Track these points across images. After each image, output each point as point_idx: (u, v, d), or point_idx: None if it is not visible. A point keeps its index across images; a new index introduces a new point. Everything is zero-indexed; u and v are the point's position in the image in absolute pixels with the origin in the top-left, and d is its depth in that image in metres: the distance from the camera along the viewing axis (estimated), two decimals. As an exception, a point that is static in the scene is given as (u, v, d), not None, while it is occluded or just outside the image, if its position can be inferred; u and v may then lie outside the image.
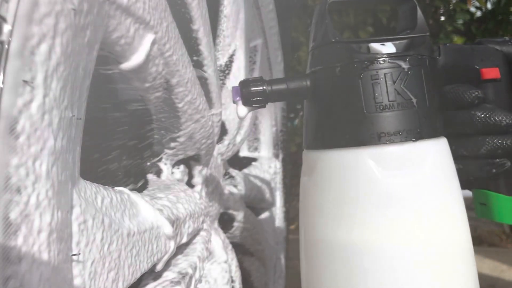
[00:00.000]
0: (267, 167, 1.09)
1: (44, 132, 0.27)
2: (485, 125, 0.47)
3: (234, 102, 0.45)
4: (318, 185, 0.45)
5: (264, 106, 0.46)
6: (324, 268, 0.44)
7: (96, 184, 0.37)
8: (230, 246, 0.76)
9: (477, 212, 0.52)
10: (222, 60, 0.78)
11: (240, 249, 0.91)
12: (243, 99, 0.45)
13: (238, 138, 0.83)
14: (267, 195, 1.03)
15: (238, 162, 1.07)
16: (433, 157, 0.43)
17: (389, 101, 0.42)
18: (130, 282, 0.39)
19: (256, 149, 1.13)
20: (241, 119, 0.59)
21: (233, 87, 0.45)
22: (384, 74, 0.42)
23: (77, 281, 0.31)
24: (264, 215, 1.13)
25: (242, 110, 0.45)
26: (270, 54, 1.14)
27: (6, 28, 0.24)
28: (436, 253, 0.42)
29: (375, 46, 0.44)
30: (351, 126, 0.42)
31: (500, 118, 0.47)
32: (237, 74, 0.79)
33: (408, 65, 0.43)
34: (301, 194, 0.48)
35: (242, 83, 0.45)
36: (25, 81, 0.25)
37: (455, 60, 0.49)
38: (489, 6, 2.45)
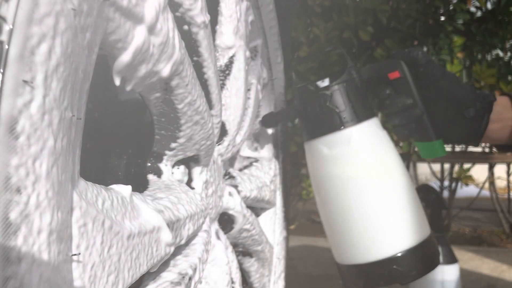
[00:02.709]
0: (267, 167, 1.09)
1: (44, 132, 0.27)
2: (392, 107, 0.84)
3: None
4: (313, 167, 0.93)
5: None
6: (332, 199, 0.88)
7: (97, 185, 0.37)
8: (230, 248, 0.76)
9: (421, 155, 0.89)
10: (222, 61, 0.78)
11: (240, 249, 0.91)
12: None
13: (238, 139, 0.83)
14: (267, 195, 1.03)
15: (238, 162, 1.07)
16: (359, 136, 0.84)
17: (325, 115, 0.86)
18: (129, 284, 0.39)
19: (256, 149, 1.13)
20: None
21: None
22: (319, 99, 0.87)
23: (77, 284, 0.31)
24: (264, 215, 1.13)
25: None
26: (270, 54, 1.14)
27: (6, 28, 0.24)
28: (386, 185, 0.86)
29: (319, 83, 0.87)
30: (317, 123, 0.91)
31: (399, 102, 0.83)
32: (238, 75, 0.79)
33: (330, 92, 0.85)
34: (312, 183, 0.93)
35: None
36: (25, 81, 0.25)
37: (372, 74, 0.87)
38: (489, 6, 2.45)
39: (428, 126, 0.83)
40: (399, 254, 0.81)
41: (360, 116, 0.83)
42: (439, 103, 0.82)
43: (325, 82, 0.83)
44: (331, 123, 0.83)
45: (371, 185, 0.84)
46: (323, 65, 2.15)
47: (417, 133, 0.85)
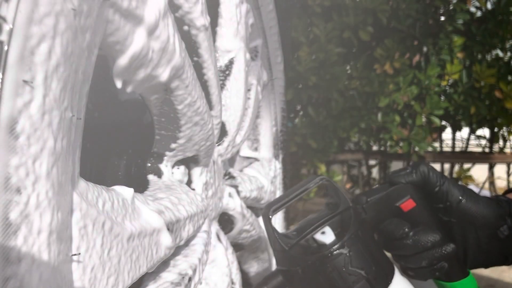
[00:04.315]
0: (267, 167, 1.09)
1: (44, 133, 0.27)
2: (417, 248, 0.62)
3: None
4: None
5: None
6: None
7: (98, 186, 0.37)
8: (231, 249, 0.76)
9: None
10: (222, 62, 0.78)
11: (240, 249, 0.91)
12: None
13: (238, 139, 0.83)
14: (267, 195, 1.03)
15: (238, 162, 1.07)
16: None
17: (346, 283, 0.55)
18: (129, 285, 0.39)
19: (256, 149, 1.13)
20: None
21: None
22: (334, 265, 0.55)
23: (76, 286, 0.31)
24: (264, 215, 1.13)
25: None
26: (270, 54, 1.14)
27: (6, 28, 0.24)
28: None
29: (318, 237, 0.56)
30: None
31: (425, 240, 0.61)
32: (238, 76, 0.79)
33: (347, 249, 0.55)
34: None
35: None
36: (25, 81, 0.25)
37: (379, 210, 0.63)
38: (489, 6, 2.45)
39: (461, 261, 0.66)
40: None
41: (388, 271, 0.59)
42: (466, 230, 0.66)
43: (328, 235, 0.58)
44: None
45: None
46: (323, 65, 2.15)
47: (447, 272, 0.65)
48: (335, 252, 0.54)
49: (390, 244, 0.63)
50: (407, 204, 0.64)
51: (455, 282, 0.65)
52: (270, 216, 0.56)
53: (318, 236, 0.57)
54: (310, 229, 0.57)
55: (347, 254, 0.55)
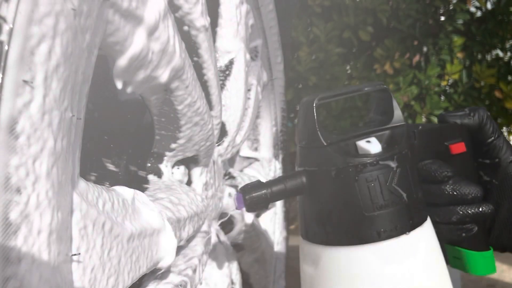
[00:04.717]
0: (268, 167, 1.09)
1: (44, 133, 0.27)
2: (453, 198, 0.54)
3: (237, 208, 0.49)
4: (324, 280, 0.49)
5: (267, 209, 0.51)
6: None
7: (99, 186, 0.37)
8: (231, 250, 0.76)
9: (451, 263, 0.58)
10: (222, 62, 0.78)
11: (240, 250, 0.91)
12: (247, 207, 0.48)
13: (238, 139, 0.83)
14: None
15: (238, 162, 1.07)
16: (424, 243, 0.49)
17: (384, 200, 0.47)
18: (129, 285, 0.39)
19: (256, 149, 1.13)
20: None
21: (235, 195, 0.49)
22: (377, 176, 0.47)
23: (76, 286, 0.31)
24: (264, 215, 1.13)
25: (249, 216, 0.51)
26: (270, 54, 1.14)
27: (6, 28, 0.24)
28: None
29: (362, 145, 0.48)
30: (352, 226, 0.47)
31: (466, 191, 0.54)
32: (238, 76, 0.79)
33: (396, 163, 0.47)
34: (303, 285, 0.53)
35: (243, 190, 0.49)
36: (25, 81, 0.25)
37: (427, 140, 0.55)
38: (489, 6, 2.45)
39: (487, 231, 0.58)
40: None
41: (424, 209, 0.50)
42: (504, 197, 0.57)
43: (374, 145, 0.48)
44: (396, 220, 0.47)
45: None
46: (323, 65, 2.15)
47: (473, 239, 0.56)
48: (381, 162, 0.47)
49: (425, 188, 0.54)
50: (458, 146, 0.56)
51: (476, 253, 0.56)
52: (315, 104, 0.48)
53: (362, 144, 0.48)
54: (356, 133, 0.49)
55: (394, 169, 0.47)
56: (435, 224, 0.52)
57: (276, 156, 1.18)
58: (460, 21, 2.34)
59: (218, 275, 0.68)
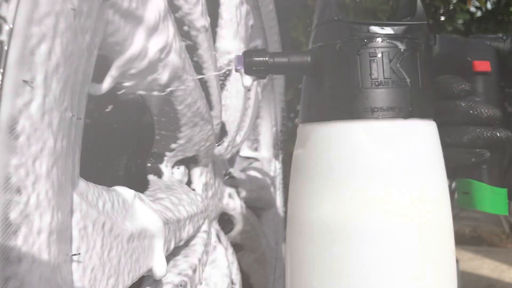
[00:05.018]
0: (268, 167, 1.09)
1: (44, 133, 0.27)
2: (467, 115, 0.50)
3: (236, 70, 0.47)
4: (309, 157, 0.46)
5: (264, 77, 0.49)
6: (310, 243, 0.45)
7: (99, 186, 0.37)
8: (231, 250, 0.76)
9: (459, 201, 0.53)
10: (222, 62, 0.78)
11: (240, 250, 0.91)
12: (245, 68, 0.47)
13: (238, 139, 0.83)
14: (267, 195, 1.03)
15: (238, 162, 1.07)
16: (422, 137, 0.45)
17: (384, 78, 0.44)
18: (128, 285, 0.39)
19: (256, 149, 1.13)
20: (247, 88, 0.61)
21: (236, 56, 0.47)
22: (382, 52, 0.44)
23: (77, 286, 0.31)
24: (264, 215, 1.13)
25: (247, 79, 0.48)
26: (270, 54, 1.14)
27: (6, 28, 0.24)
28: (417, 230, 0.44)
29: (375, 28, 0.45)
30: (347, 100, 0.44)
31: (481, 110, 0.50)
32: (238, 76, 0.79)
33: (404, 46, 0.45)
34: (292, 168, 0.49)
35: (245, 53, 0.48)
36: (25, 81, 0.25)
37: (449, 50, 0.52)
38: (489, 6, 2.45)
39: (504, 167, 0.53)
40: None
41: (429, 108, 0.47)
42: None
43: (387, 31, 0.46)
44: (394, 102, 0.44)
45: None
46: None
47: (485, 169, 0.51)
48: (389, 41, 0.44)
49: (440, 104, 0.50)
50: (482, 64, 0.51)
51: (486, 185, 0.51)
52: None
53: (375, 28, 0.46)
54: (370, 21, 0.47)
55: (402, 51, 0.44)
56: (445, 147, 0.48)
57: (276, 156, 1.18)
58: (460, 21, 2.34)
59: (218, 275, 0.68)
